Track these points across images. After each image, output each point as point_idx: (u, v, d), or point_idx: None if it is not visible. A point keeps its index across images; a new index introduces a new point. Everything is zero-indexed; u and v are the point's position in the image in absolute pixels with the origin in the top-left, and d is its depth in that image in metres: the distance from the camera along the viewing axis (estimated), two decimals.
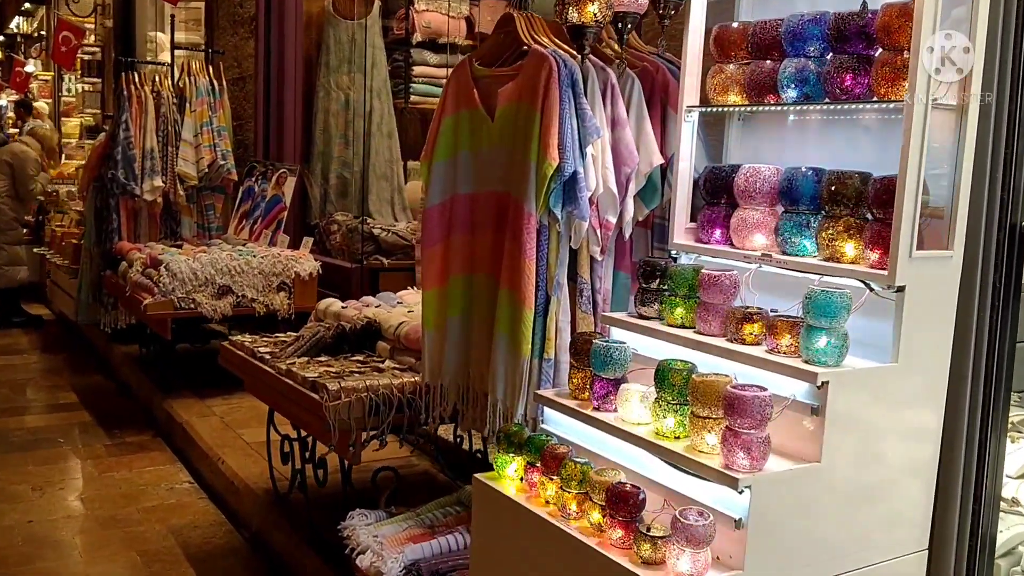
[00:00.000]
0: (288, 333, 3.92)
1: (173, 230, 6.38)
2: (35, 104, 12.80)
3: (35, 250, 8.43)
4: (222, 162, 6.18)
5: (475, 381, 2.74)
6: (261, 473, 3.91)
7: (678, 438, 2.05)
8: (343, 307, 3.86)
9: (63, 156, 11.78)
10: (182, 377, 5.43)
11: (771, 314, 2.15)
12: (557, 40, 2.60)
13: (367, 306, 3.89)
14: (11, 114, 12.89)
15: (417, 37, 6.38)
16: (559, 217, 2.48)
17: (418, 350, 3.22)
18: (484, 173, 2.71)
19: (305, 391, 3.04)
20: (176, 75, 6.44)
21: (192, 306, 4.98)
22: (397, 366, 3.26)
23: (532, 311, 2.48)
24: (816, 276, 2.15)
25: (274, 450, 3.68)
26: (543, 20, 2.66)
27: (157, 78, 6.29)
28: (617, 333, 2.46)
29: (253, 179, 6.27)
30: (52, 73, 13.03)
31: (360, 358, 3.38)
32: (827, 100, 2.21)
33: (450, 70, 6.48)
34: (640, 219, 2.68)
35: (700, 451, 1.97)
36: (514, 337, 2.51)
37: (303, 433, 3.45)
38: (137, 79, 6.13)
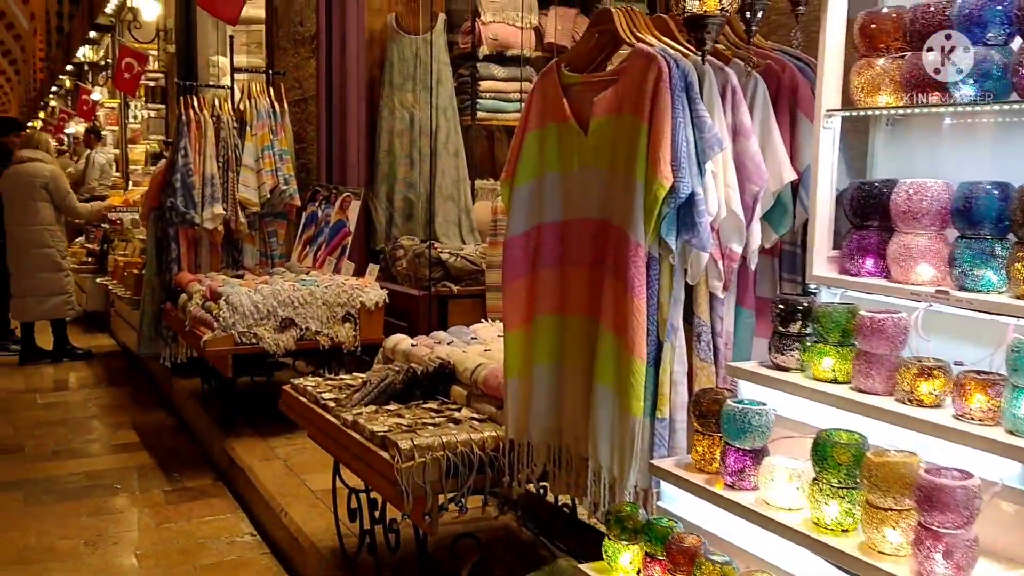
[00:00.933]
0: (354, 374, 3.57)
1: (235, 259, 6.12)
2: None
3: (98, 280, 8.31)
4: (284, 187, 5.89)
5: (569, 441, 2.34)
6: (327, 528, 3.55)
7: (845, 531, 1.61)
8: (413, 345, 3.49)
9: (130, 183, 11.77)
10: (244, 413, 5.13)
11: (955, 368, 1.70)
12: (664, 38, 2.20)
13: (439, 343, 3.52)
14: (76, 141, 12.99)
15: (484, 50, 6.03)
16: (673, 247, 2.06)
17: (498, 397, 2.84)
18: (577, 197, 2.31)
19: (374, 448, 2.67)
20: (236, 98, 6.21)
21: (253, 341, 4.68)
22: (475, 415, 2.87)
23: (644, 361, 2.07)
24: (1011, 318, 1.70)
25: (340, 502, 3.33)
26: (645, 15, 2.26)
27: (217, 102, 6.06)
28: (746, 387, 2.04)
29: (316, 204, 5.98)
30: (118, 100, 13.09)
31: (433, 406, 3.00)
32: (1017, 97, 1.76)
33: (519, 84, 6.19)
34: (767, 246, 2.25)
35: (880, 551, 1.53)
36: (622, 392, 2.10)
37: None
38: (196, 103, 5.90)
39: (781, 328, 1.99)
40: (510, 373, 2.49)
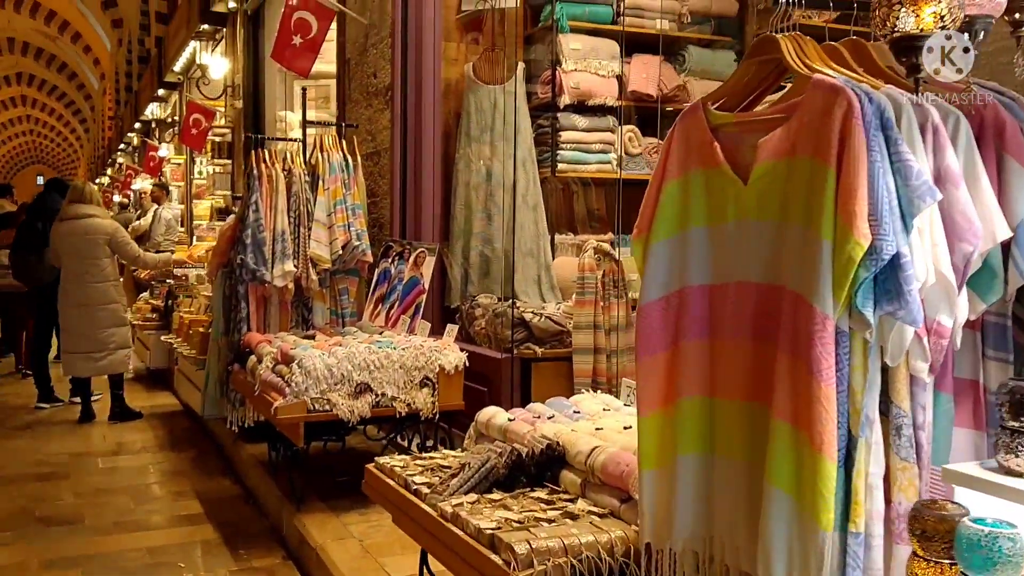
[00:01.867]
0: (444, 452, 3.22)
1: (304, 317, 5.85)
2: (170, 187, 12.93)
3: (162, 337, 8.14)
4: (357, 243, 5.63)
5: (726, 552, 1.94)
6: None
7: None
8: (510, 419, 3.13)
9: (195, 238, 11.73)
10: (314, 482, 4.80)
11: None
12: (844, 69, 1.85)
13: (539, 417, 3.15)
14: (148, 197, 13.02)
15: (565, 100, 5.75)
16: (870, 321, 1.68)
17: (620, 488, 2.46)
18: (733, 256, 1.95)
19: (480, 548, 2.30)
20: (308, 151, 6.01)
21: (327, 407, 4.36)
22: (594, 509, 2.48)
23: (834, 461, 1.68)
24: None
25: None
26: (816, 43, 1.92)
27: (288, 156, 5.85)
28: (965, 496, 1.63)
29: (389, 260, 5.70)
30: (184, 156, 13.16)
31: (543, 495, 2.62)
32: None
33: (604, 135, 5.89)
34: (972, 317, 1.85)
35: None
36: (804, 499, 1.70)
37: None
38: (267, 157, 5.69)
39: (1013, 423, 1.59)
40: (646, 464, 2.10)
